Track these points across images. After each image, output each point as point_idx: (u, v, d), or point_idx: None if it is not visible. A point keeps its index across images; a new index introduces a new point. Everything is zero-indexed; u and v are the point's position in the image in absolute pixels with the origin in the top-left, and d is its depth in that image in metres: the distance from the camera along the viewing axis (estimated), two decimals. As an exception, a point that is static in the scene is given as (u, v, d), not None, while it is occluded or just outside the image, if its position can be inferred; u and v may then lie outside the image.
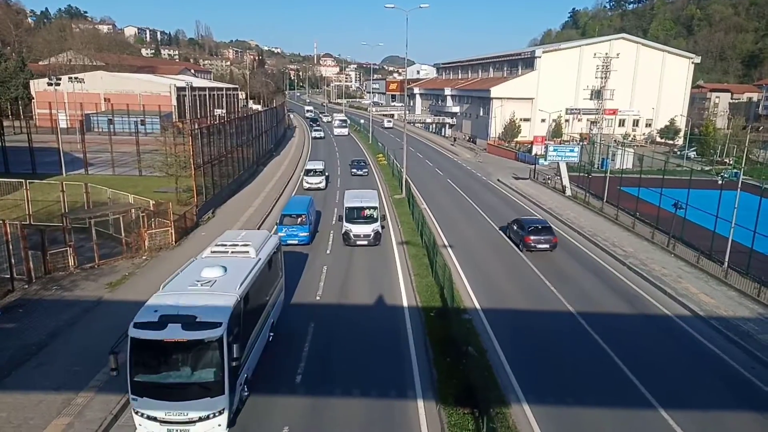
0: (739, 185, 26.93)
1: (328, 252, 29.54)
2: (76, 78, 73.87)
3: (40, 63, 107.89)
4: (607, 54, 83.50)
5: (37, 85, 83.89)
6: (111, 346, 13.12)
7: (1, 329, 19.14)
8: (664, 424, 15.09)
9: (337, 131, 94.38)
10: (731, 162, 65.04)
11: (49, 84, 64.80)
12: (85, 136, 49.51)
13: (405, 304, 22.78)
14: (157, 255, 27.37)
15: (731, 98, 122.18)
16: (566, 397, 16.24)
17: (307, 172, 47.26)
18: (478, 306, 22.83)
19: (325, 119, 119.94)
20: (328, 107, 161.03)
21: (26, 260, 23.01)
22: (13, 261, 22.41)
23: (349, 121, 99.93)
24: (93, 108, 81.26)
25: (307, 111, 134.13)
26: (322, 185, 46.35)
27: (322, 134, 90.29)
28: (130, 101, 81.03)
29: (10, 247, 22.32)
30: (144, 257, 26.88)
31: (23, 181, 31.87)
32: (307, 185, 46.08)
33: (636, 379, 17.28)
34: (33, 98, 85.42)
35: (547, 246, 29.88)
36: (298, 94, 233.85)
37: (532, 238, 29.85)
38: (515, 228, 31.85)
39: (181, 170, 37.92)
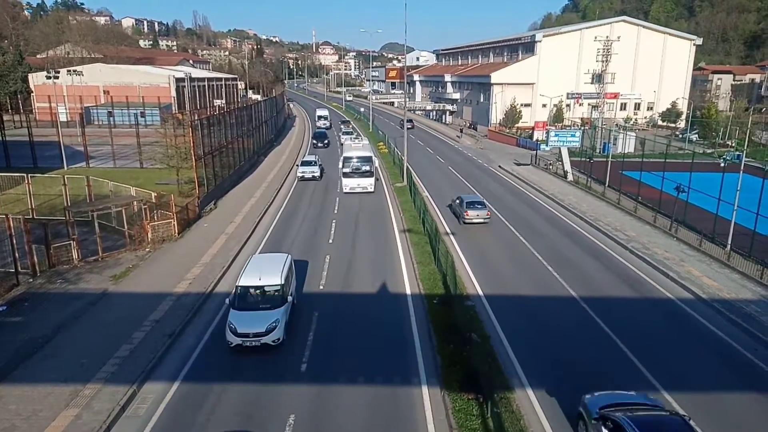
0: (742, 167, 26.79)
1: (330, 241, 29.61)
2: (74, 71, 73.57)
3: (38, 56, 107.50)
4: (607, 37, 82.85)
5: (36, 79, 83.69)
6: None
7: (7, 323, 19.30)
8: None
9: (349, 185, 40.26)
10: (733, 144, 64.75)
11: (48, 77, 64.71)
12: (86, 129, 49.46)
13: (408, 291, 22.87)
14: (161, 247, 27.45)
15: (733, 80, 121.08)
16: (569, 381, 16.32)
17: (242, 296, 18.72)
18: (480, 292, 22.90)
19: (343, 138, 59.30)
20: (326, 98, 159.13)
21: (30, 254, 23.13)
22: (17, 255, 22.56)
23: (377, 162, 43.18)
24: (92, 101, 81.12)
25: (319, 118, 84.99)
26: (276, 337, 17.65)
27: (317, 172, 45.26)
28: (129, 93, 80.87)
29: (14, 241, 22.45)
30: (147, 249, 26.96)
31: (25, 175, 31.97)
32: (234, 341, 17.50)
33: (638, 362, 17.39)
34: (32, 92, 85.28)
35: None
36: (305, 86, 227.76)
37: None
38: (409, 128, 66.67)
39: (182, 162, 37.86)
